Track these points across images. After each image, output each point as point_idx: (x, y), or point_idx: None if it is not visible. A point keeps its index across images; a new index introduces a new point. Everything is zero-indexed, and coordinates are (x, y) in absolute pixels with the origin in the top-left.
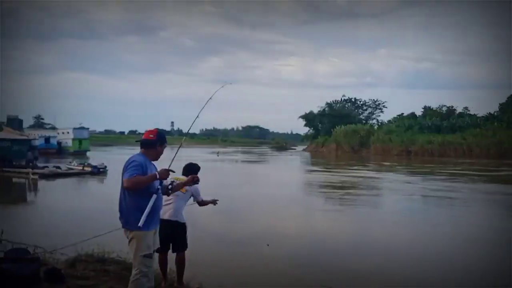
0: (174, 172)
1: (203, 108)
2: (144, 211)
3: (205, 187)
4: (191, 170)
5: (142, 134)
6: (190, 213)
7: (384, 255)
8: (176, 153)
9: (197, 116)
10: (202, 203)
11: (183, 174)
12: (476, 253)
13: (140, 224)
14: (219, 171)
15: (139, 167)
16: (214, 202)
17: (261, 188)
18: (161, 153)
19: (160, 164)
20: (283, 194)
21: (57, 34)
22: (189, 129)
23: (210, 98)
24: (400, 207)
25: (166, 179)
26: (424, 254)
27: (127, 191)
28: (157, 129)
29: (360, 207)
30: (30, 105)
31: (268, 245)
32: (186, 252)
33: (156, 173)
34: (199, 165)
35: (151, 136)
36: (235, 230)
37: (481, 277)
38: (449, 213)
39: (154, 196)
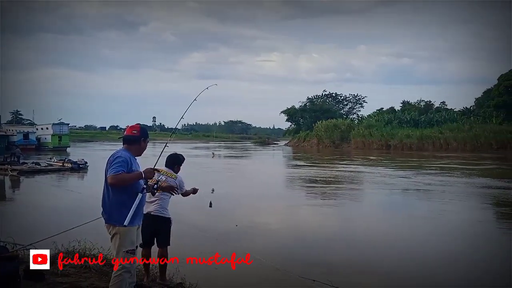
0: (159, 171)
1: (188, 108)
2: (128, 207)
3: (190, 183)
4: (175, 161)
5: (123, 129)
6: (173, 208)
7: (386, 249)
8: (162, 151)
9: (182, 117)
10: (184, 194)
11: (167, 165)
12: (470, 246)
13: (125, 223)
14: (204, 166)
15: (124, 163)
16: (194, 191)
17: (255, 184)
18: (144, 148)
19: (143, 159)
20: (274, 191)
21: (36, 28)
22: (175, 128)
23: (195, 99)
24: (398, 202)
25: (151, 178)
26: (424, 249)
27: (111, 187)
28: (140, 124)
29: (357, 201)
30: (7, 100)
31: (236, 225)
32: (169, 247)
33: (142, 172)
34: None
35: (134, 132)
36: (218, 226)
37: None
38: (449, 208)
39: (140, 195)
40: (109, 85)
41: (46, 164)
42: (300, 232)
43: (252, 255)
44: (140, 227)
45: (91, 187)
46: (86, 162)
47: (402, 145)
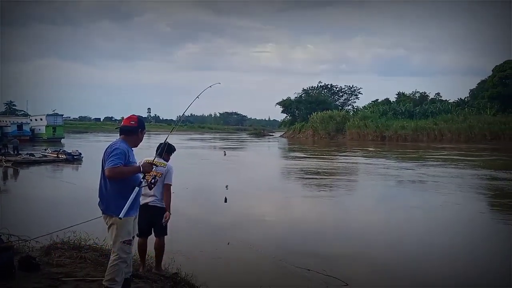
0: (157, 166)
1: (189, 106)
2: (125, 198)
3: (189, 175)
4: (164, 149)
5: (118, 121)
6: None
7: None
8: (165, 144)
9: (183, 114)
10: (166, 190)
11: (157, 153)
12: (482, 239)
13: (121, 215)
14: (204, 158)
15: (122, 155)
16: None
17: (258, 176)
18: (141, 140)
19: (138, 151)
20: (279, 183)
21: (28, 19)
22: (179, 121)
23: (197, 97)
24: (407, 194)
25: (149, 172)
26: (428, 241)
27: (108, 179)
28: (137, 115)
29: (365, 194)
30: (1, 92)
31: (227, 187)
32: (165, 238)
33: (140, 166)
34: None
35: (132, 122)
36: (215, 217)
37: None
38: (458, 200)
39: (137, 189)
40: (103, 76)
41: (41, 155)
42: (304, 224)
43: (248, 245)
44: (137, 218)
45: (86, 178)
46: (80, 153)
47: (397, 136)
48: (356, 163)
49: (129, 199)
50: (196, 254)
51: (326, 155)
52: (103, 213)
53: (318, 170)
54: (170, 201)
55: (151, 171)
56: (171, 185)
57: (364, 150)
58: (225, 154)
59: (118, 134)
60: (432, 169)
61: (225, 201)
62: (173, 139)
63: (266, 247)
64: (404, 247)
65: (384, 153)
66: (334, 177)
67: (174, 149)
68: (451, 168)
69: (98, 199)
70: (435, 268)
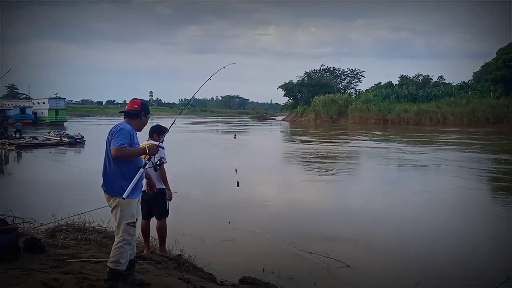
0: (163, 148)
1: (201, 87)
2: (129, 179)
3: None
4: (155, 130)
5: (120, 104)
6: (173, 182)
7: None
8: (170, 127)
9: (193, 96)
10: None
11: (150, 135)
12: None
13: (124, 195)
14: (210, 141)
15: (128, 135)
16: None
17: (270, 161)
18: (145, 123)
19: (141, 134)
20: (290, 167)
21: (27, 1)
22: (188, 104)
23: (209, 78)
24: (428, 178)
25: (155, 155)
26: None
27: (109, 152)
28: (141, 99)
29: (383, 178)
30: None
31: (236, 171)
32: (168, 219)
33: (146, 148)
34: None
35: (135, 106)
36: (220, 199)
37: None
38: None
39: (142, 170)
40: (103, 58)
41: (44, 139)
42: (321, 209)
43: (252, 228)
44: (140, 200)
45: (88, 161)
46: (83, 137)
47: (399, 119)
48: (369, 147)
49: (133, 180)
50: (200, 236)
51: (335, 139)
52: (106, 193)
53: (330, 154)
54: (166, 178)
55: (157, 153)
56: (165, 162)
57: (372, 134)
58: (235, 137)
59: (122, 118)
60: (449, 153)
61: (237, 185)
62: (176, 123)
63: (270, 230)
64: (411, 231)
65: (393, 137)
66: (349, 161)
67: (165, 130)
68: (468, 152)
69: (102, 181)
70: (440, 253)
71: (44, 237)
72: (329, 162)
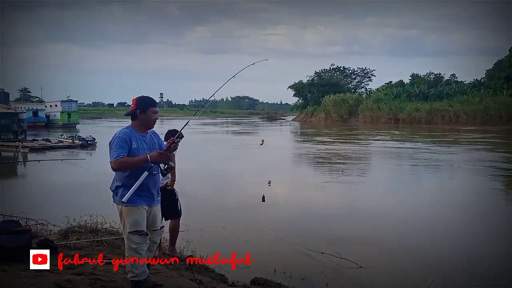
0: (169, 154)
1: (223, 85)
2: (130, 186)
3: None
4: (169, 134)
5: (129, 106)
6: (184, 183)
7: None
8: (182, 128)
9: (213, 94)
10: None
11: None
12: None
13: (124, 199)
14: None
15: (123, 143)
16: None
17: (296, 163)
18: (148, 121)
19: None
20: (322, 170)
21: (37, 3)
22: (205, 103)
23: (233, 76)
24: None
25: (160, 162)
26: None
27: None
28: (137, 96)
29: (427, 179)
30: (14, 77)
31: (269, 183)
32: (185, 223)
33: (148, 156)
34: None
35: (131, 105)
36: (232, 200)
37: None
38: None
39: (145, 174)
40: (113, 60)
41: (57, 141)
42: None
43: (265, 230)
44: (156, 211)
45: (99, 163)
46: (94, 139)
47: (411, 118)
48: (394, 147)
49: (135, 184)
50: (211, 237)
51: (355, 140)
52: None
53: (359, 156)
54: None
55: (164, 160)
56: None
57: (391, 133)
58: (262, 143)
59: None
60: (482, 154)
61: (263, 200)
62: (181, 124)
63: (282, 231)
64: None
65: (414, 136)
66: (382, 162)
67: (176, 133)
68: (501, 152)
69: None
70: (455, 254)
71: (57, 239)
72: (357, 163)
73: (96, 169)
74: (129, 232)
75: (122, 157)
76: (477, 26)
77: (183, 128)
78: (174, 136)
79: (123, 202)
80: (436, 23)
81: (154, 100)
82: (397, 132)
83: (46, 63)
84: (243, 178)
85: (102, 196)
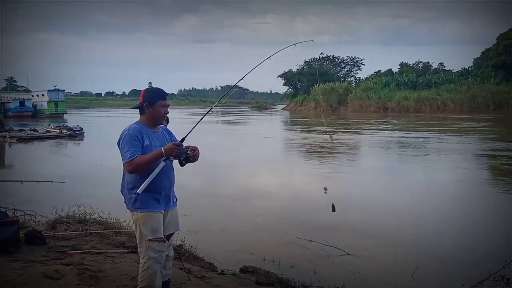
0: (183, 146)
1: (255, 67)
2: (148, 192)
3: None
4: None
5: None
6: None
7: None
8: (199, 121)
9: (239, 80)
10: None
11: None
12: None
13: (139, 191)
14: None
15: (135, 141)
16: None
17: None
18: (156, 116)
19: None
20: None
21: None
22: (228, 95)
23: (269, 58)
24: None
25: (174, 155)
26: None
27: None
28: (146, 88)
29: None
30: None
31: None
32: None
33: (162, 149)
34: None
35: (140, 98)
36: (222, 190)
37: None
38: None
39: (162, 164)
40: (102, 50)
41: (44, 131)
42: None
43: (251, 217)
44: (173, 214)
45: (87, 153)
46: (81, 128)
47: (399, 107)
48: (402, 137)
49: (150, 176)
50: (200, 226)
51: (358, 129)
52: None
53: (367, 145)
54: None
55: (178, 152)
56: None
57: (389, 123)
58: (331, 138)
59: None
60: (493, 144)
61: (333, 209)
62: (176, 114)
63: (270, 219)
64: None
65: (414, 126)
66: (396, 153)
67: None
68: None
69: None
70: (441, 241)
71: (45, 229)
72: (367, 153)
73: (84, 159)
74: (149, 240)
75: (136, 156)
76: (465, 16)
77: (195, 126)
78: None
79: (138, 208)
80: (426, 12)
81: (164, 92)
82: (395, 121)
83: (33, 53)
84: (235, 168)
85: (90, 186)
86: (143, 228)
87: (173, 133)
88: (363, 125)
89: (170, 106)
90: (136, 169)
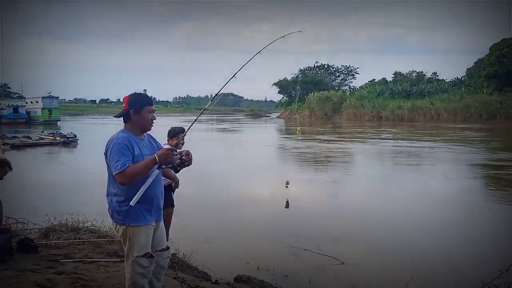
0: (176, 152)
1: (245, 64)
2: (141, 204)
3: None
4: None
5: (113, 103)
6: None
7: None
8: (189, 127)
9: (221, 89)
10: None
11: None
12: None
13: (132, 203)
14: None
15: (124, 149)
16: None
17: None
18: (144, 122)
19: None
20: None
21: None
22: (214, 100)
23: (259, 52)
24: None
25: (169, 161)
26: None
27: (109, 172)
28: (129, 94)
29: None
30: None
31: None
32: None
33: (155, 156)
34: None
35: (123, 105)
36: (215, 198)
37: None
38: None
39: (155, 172)
40: (96, 56)
41: (38, 138)
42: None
43: (246, 226)
44: (161, 223)
45: (81, 161)
46: (75, 136)
47: (393, 116)
48: (407, 146)
49: (143, 186)
50: (194, 235)
51: (360, 138)
52: (112, 219)
53: (377, 154)
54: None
55: (171, 159)
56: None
57: (389, 131)
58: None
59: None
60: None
61: (287, 205)
62: (170, 122)
63: (265, 228)
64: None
65: (415, 135)
66: (409, 163)
67: (179, 131)
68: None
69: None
70: (436, 250)
71: (38, 238)
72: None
73: (78, 166)
74: (137, 257)
75: (128, 166)
76: (458, 26)
77: (191, 125)
78: (180, 133)
79: (130, 222)
80: (419, 22)
81: (150, 97)
82: (395, 130)
83: (26, 59)
84: (229, 175)
85: (83, 194)
86: (132, 244)
87: (157, 140)
88: (363, 134)
89: (165, 114)
90: (129, 180)
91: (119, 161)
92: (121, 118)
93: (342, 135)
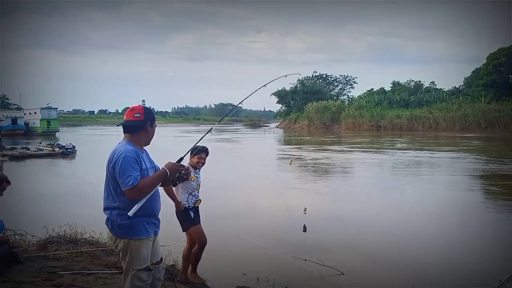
0: (184, 167)
1: (249, 96)
2: (139, 213)
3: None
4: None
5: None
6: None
7: None
8: (201, 138)
9: (238, 105)
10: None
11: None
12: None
13: (130, 213)
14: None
15: (134, 163)
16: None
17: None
18: (151, 136)
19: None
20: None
21: (16, 9)
22: (230, 113)
23: (264, 85)
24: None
25: (177, 176)
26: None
27: (111, 185)
28: (143, 105)
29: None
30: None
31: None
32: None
33: (166, 169)
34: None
35: (137, 115)
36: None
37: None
38: None
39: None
40: (94, 67)
41: (36, 149)
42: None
43: (245, 236)
44: (157, 238)
45: (80, 172)
46: (74, 146)
47: (392, 125)
48: (421, 156)
49: (143, 198)
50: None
51: (369, 148)
52: (111, 232)
53: (396, 165)
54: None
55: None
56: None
57: (394, 141)
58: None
59: (116, 128)
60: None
61: (304, 230)
62: (168, 132)
63: (264, 239)
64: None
65: (423, 144)
66: (430, 173)
67: (202, 150)
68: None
69: (97, 199)
70: (437, 259)
71: (36, 249)
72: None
73: (76, 178)
74: (138, 270)
75: (139, 180)
76: (455, 35)
77: (199, 140)
78: (203, 152)
79: (132, 235)
80: (416, 31)
81: None
82: (401, 139)
83: (25, 70)
84: (228, 185)
85: (82, 206)
86: (134, 257)
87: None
88: (377, 144)
89: (164, 124)
90: (140, 195)
91: (131, 176)
92: (121, 128)
93: (353, 145)
